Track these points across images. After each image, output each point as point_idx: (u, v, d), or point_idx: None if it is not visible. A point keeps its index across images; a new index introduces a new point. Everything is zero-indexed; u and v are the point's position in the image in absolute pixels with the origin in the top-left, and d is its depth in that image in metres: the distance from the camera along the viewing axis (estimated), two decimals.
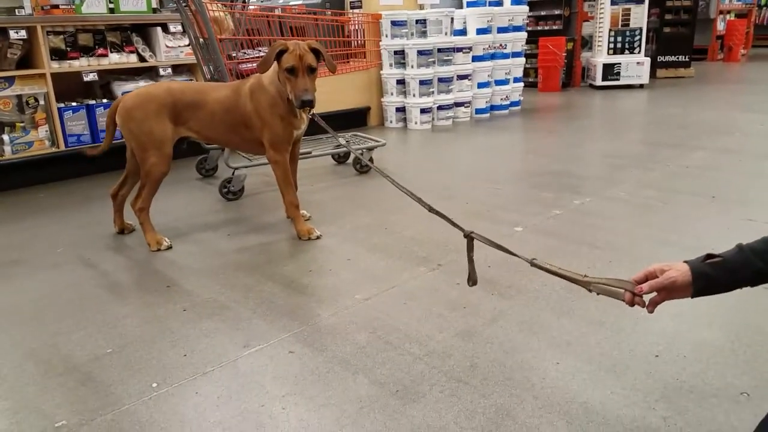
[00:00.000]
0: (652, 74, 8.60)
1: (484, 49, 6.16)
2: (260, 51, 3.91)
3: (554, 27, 9.19)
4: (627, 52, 8.02)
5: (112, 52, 4.24)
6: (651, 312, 1.18)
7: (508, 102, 6.52)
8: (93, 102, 4.19)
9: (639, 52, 8.01)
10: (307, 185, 3.68)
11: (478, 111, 6.28)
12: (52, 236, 2.99)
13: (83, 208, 3.49)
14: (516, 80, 6.60)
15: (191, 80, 4.57)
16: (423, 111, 5.70)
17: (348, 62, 4.72)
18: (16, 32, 3.75)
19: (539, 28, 9.26)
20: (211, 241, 2.82)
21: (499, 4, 6.70)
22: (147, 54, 4.41)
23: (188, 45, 4.39)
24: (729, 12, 11.96)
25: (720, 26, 11.60)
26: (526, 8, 6.62)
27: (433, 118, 5.83)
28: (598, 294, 1.26)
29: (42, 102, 3.97)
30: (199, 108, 2.73)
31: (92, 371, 1.75)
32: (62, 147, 4.06)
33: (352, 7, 6.15)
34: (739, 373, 1.60)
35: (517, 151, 4.68)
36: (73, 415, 1.55)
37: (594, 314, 1.94)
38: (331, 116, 4.12)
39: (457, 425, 1.45)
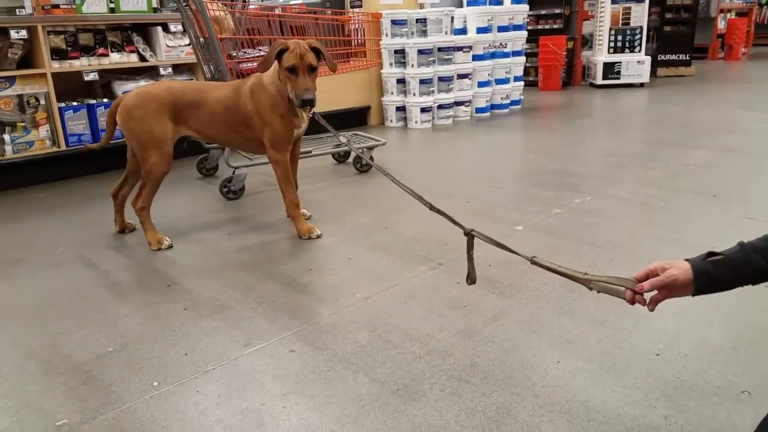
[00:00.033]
0: (653, 73, 8.59)
1: (484, 48, 6.16)
2: (260, 50, 3.91)
3: (554, 26, 9.18)
4: (627, 50, 8.02)
5: (112, 51, 4.24)
6: (652, 310, 1.18)
7: (508, 101, 6.52)
8: (94, 101, 4.19)
9: (639, 51, 8.01)
10: (307, 184, 3.68)
11: (479, 110, 6.27)
12: (53, 235, 2.99)
13: (84, 207, 3.49)
14: (516, 79, 6.59)
15: (192, 80, 4.57)
16: (423, 110, 5.70)
17: (348, 61, 4.72)
18: (17, 32, 3.75)
19: (539, 26, 9.25)
20: (212, 240, 2.82)
21: (500, 2, 6.71)
22: (147, 53, 4.41)
23: (189, 44, 4.39)
24: (730, 11, 11.96)
25: (721, 25, 11.59)
26: (526, 7, 6.62)
27: (433, 117, 5.83)
28: (598, 292, 1.26)
29: (43, 102, 3.97)
30: (199, 107, 2.74)
31: (93, 370, 1.75)
32: (63, 146, 4.06)
33: (352, 6, 6.15)
34: (740, 371, 1.60)
35: (518, 150, 4.68)
36: (74, 413, 1.55)
37: (594, 313, 1.94)
38: (332, 115, 4.13)
39: (457, 424, 1.45)
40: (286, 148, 2.77)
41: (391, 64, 5.77)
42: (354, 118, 5.86)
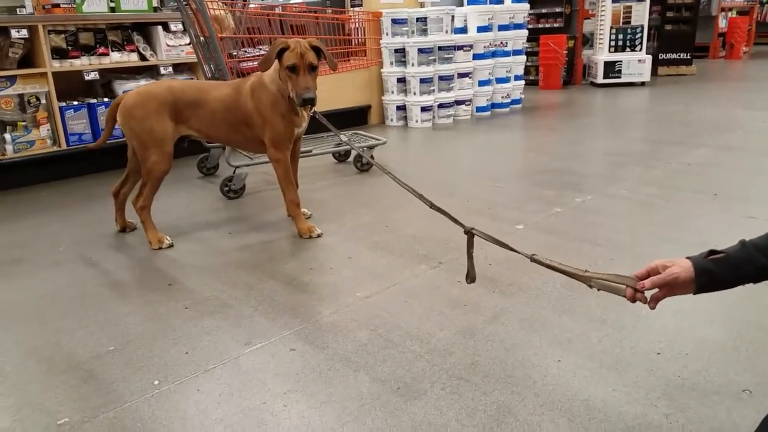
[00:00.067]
0: (654, 72, 8.58)
1: (484, 47, 6.16)
2: (261, 49, 3.91)
3: (555, 25, 9.18)
4: (628, 49, 8.01)
5: (113, 50, 4.24)
6: (653, 308, 1.18)
7: (509, 100, 6.51)
8: (94, 101, 4.19)
9: (640, 50, 8.00)
10: (308, 183, 3.68)
11: (479, 109, 6.27)
12: (53, 235, 2.99)
13: (85, 206, 3.50)
14: (517, 78, 6.59)
15: (192, 79, 4.57)
16: (424, 109, 5.70)
17: (348, 60, 4.72)
18: (18, 31, 3.75)
19: (540, 25, 9.25)
20: (213, 240, 2.82)
21: (500, 1, 6.70)
22: (148, 53, 4.41)
23: (189, 44, 4.39)
24: (731, 9, 11.94)
25: (722, 24, 11.58)
26: (526, 6, 6.61)
27: (433, 117, 5.83)
28: (599, 290, 1.25)
29: (43, 101, 3.97)
30: (200, 106, 2.74)
31: (94, 369, 1.76)
32: (64, 146, 4.07)
33: (352, 5, 6.15)
34: (741, 370, 1.60)
35: (518, 148, 4.68)
36: (75, 412, 1.56)
37: (595, 312, 1.94)
38: (332, 115, 4.12)
39: (458, 422, 1.45)
40: (287, 147, 2.77)
41: (391, 63, 5.77)
42: (354, 118, 5.86)
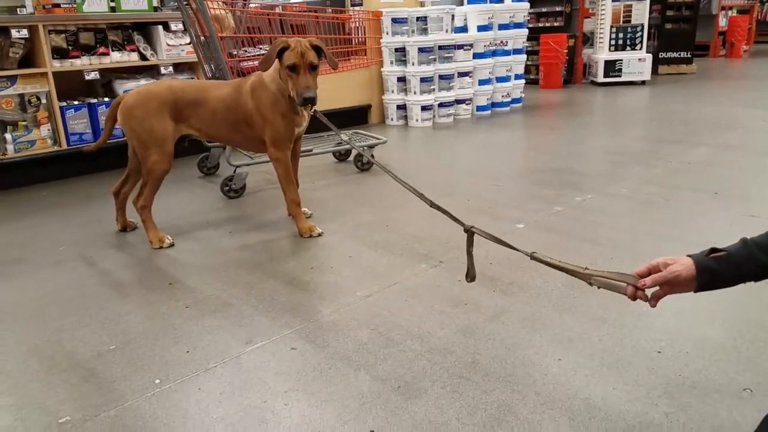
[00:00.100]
0: (654, 71, 8.58)
1: (485, 46, 6.15)
2: (261, 49, 3.92)
3: (555, 24, 9.17)
4: (628, 48, 8.01)
5: (113, 50, 4.24)
6: (653, 306, 1.18)
7: (509, 99, 6.51)
8: (95, 100, 4.19)
9: (640, 49, 8.00)
10: (308, 183, 3.68)
11: (480, 108, 6.27)
12: (54, 234, 2.99)
13: (85, 206, 3.50)
14: (517, 77, 6.59)
15: (192, 78, 4.57)
16: (424, 108, 5.70)
17: (349, 60, 4.72)
18: (18, 31, 3.75)
19: (540, 24, 9.24)
20: (213, 239, 2.82)
21: (500, 0, 6.70)
22: (148, 52, 4.41)
23: (189, 43, 4.39)
24: (731, 8, 11.94)
25: (722, 22, 11.58)
26: (527, 5, 6.61)
27: (434, 116, 5.83)
28: (599, 287, 1.25)
29: (44, 101, 3.97)
30: (200, 106, 2.74)
31: (95, 368, 1.76)
32: (64, 145, 4.07)
33: (352, 5, 6.16)
34: (742, 369, 1.60)
35: (519, 148, 4.68)
36: (76, 411, 1.56)
37: (596, 311, 1.94)
38: (332, 114, 4.12)
39: (458, 421, 1.45)
40: (287, 147, 2.77)
41: (391, 63, 5.77)
42: (355, 117, 5.86)
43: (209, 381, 1.66)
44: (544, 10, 9.24)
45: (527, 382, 1.58)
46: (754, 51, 12.67)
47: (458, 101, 5.99)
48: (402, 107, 5.84)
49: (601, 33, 8.12)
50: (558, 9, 9.12)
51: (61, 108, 4.02)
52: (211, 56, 3.65)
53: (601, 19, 8.11)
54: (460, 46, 5.90)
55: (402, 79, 5.76)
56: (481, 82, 6.20)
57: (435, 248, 2.55)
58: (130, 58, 4.32)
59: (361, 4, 6.00)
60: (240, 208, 3.31)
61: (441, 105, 5.85)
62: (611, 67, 8.01)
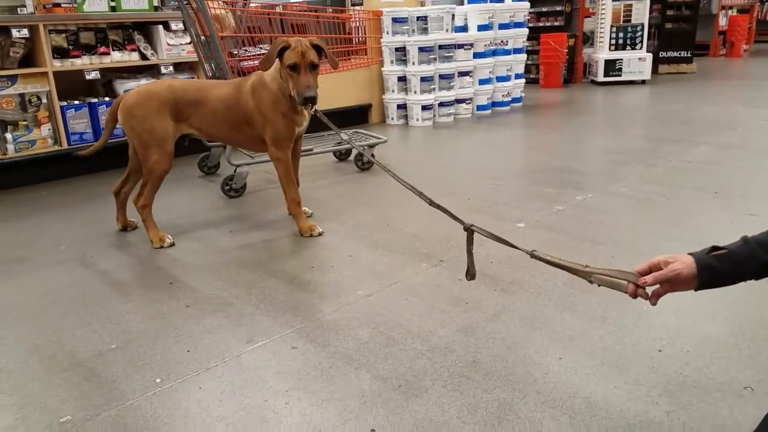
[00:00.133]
0: (654, 70, 8.58)
1: (485, 45, 6.15)
2: (261, 48, 3.92)
3: (555, 23, 9.17)
4: (629, 48, 8.01)
5: (113, 50, 4.24)
6: (654, 304, 1.18)
7: (509, 98, 6.51)
8: (95, 100, 4.19)
9: (641, 48, 7.99)
10: (308, 182, 3.68)
11: (480, 107, 6.27)
12: (55, 234, 3.00)
13: (86, 205, 3.50)
14: (517, 76, 6.59)
15: (193, 78, 4.57)
16: (424, 108, 5.70)
17: (349, 59, 4.72)
18: (19, 31, 3.75)
19: (540, 24, 9.24)
20: (214, 238, 2.82)
21: (501, 0, 6.69)
22: (149, 52, 4.41)
23: (190, 43, 4.40)
24: (731, 7, 11.94)
25: (722, 22, 11.57)
26: (527, 5, 6.61)
27: (434, 115, 5.83)
28: (599, 285, 1.24)
29: (44, 100, 3.97)
30: (200, 105, 2.74)
31: (96, 367, 1.76)
32: (65, 145, 4.07)
33: (353, 4, 6.15)
34: (743, 367, 1.60)
35: (519, 147, 4.68)
36: (77, 410, 1.56)
37: (596, 309, 1.94)
38: (333, 113, 4.13)
39: (459, 420, 1.45)
40: (288, 146, 2.77)
41: (392, 62, 5.77)
42: (355, 116, 5.86)
43: (210, 380, 1.67)
44: (544, 9, 9.23)
45: (528, 381, 1.58)
46: (755, 50, 12.66)
47: (458, 101, 5.99)
48: (402, 107, 5.84)
49: (601, 32, 8.11)
50: (558, 8, 9.12)
51: (61, 107, 4.02)
52: (212, 56, 3.65)
53: (601, 19, 8.11)
54: (461, 46, 5.90)
55: (402, 79, 5.76)
56: (482, 82, 6.19)
57: (435, 247, 2.55)
58: (131, 58, 4.33)
59: (361, 4, 6.00)
60: (240, 208, 3.31)
61: (441, 104, 5.85)
62: (611, 66, 8.01)
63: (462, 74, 5.97)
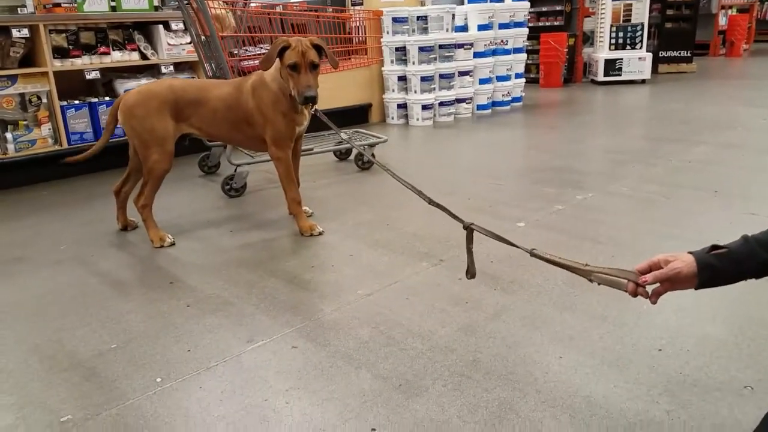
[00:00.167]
0: (654, 69, 8.58)
1: (485, 45, 6.15)
2: (262, 48, 3.91)
3: (555, 23, 9.17)
4: (629, 47, 8.01)
5: (114, 50, 4.24)
6: (654, 303, 1.18)
7: (509, 98, 6.51)
8: (95, 100, 4.19)
9: (641, 48, 7.99)
10: (309, 182, 3.68)
11: (480, 107, 6.27)
12: (55, 233, 3.00)
13: (86, 205, 3.50)
14: (517, 76, 6.59)
15: (193, 78, 4.57)
16: (424, 107, 5.70)
17: (349, 59, 4.72)
18: (19, 31, 3.75)
19: (540, 24, 9.24)
20: (214, 238, 2.82)
21: (501, 0, 6.69)
22: (149, 52, 4.41)
23: (190, 43, 4.40)
24: (731, 7, 11.94)
25: (722, 21, 11.58)
26: (527, 4, 6.61)
27: (434, 115, 5.83)
28: (599, 284, 1.24)
29: (45, 100, 3.98)
30: (201, 105, 2.74)
31: (96, 366, 1.76)
32: (65, 145, 4.07)
33: (353, 4, 6.15)
34: (743, 366, 1.60)
35: (519, 146, 4.68)
36: (78, 410, 1.56)
37: (596, 309, 1.95)
38: (333, 113, 4.13)
39: (460, 419, 1.45)
40: (288, 146, 2.77)
41: (392, 62, 5.77)
42: (355, 116, 5.86)
43: (210, 380, 1.67)
44: (544, 9, 9.23)
45: (528, 380, 1.59)
46: (754, 50, 12.66)
47: (459, 100, 5.99)
48: (403, 106, 5.84)
49: (601, 32, 8.11)
50: (558, 8, 9.12)
51: (61, 107, 4.02)
52: (212, 55, 3.65)
53: (601, 19, 8.11)
54: (461, 45, 5.90)
55: (402, 78, 5.76)
56: (482, 81, 6.20)
57: (435, 247, 2.55)
58: (131, 58, 4.33)
59: (361, 4, 6.00)
60: (241, 207, 3.31)
61: (441, 104, 5.85)
62: (611, 66, 8.01)
63: (462, 74, 5.97)
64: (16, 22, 3.78)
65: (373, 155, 4.00)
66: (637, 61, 7.93)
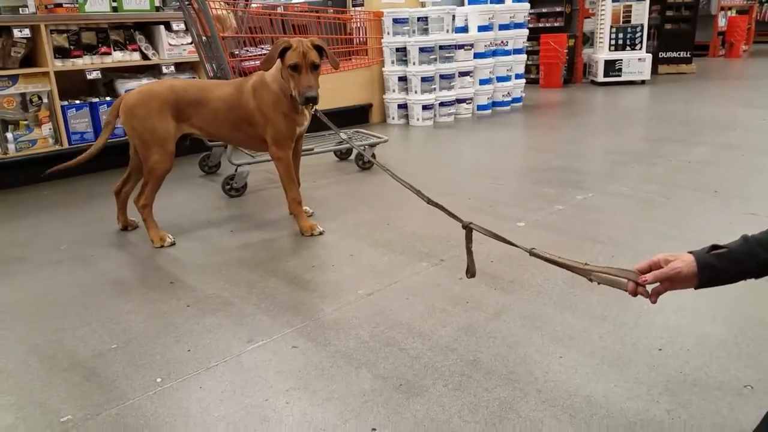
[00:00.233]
0: (654, 70, 8.59)
1: (485, 46, 6.16)
2: (263, 49, 3.92)
3: (555, 24, 9.18)
4: (628, 48, 8.01)
5: (115, 50, 4.24)
6: (654, 302, 1.18)
7: (509, 98, 6.52)
8: (96, 100, 4.19)
9: (640, 49, 8.00)
10: (309, 182, 3.68)
11: (480, 107, 6.28)
12: (55, 233, 3.00)
13: (86, 205, 3.50)
14: (518, 77, 6.59)
15: (194, 78, 4.58)
16: (425, 108, 5.70)
17: (350, 59, 4.72)
18: (20, 31, 3.75)
19: (540, 25, 9.24)
20: (214, 238, 2.82)
21: (501, 1, 6.70)
22: (150, 52, 4.41)
23: (191, 43, 4.40)
24: (730, 8, 11.95)
25: (721, 22, 11.59)
26: (527, 5, 6.62)
27: (434, 115, 5.83)
28: (599, 283, 1.24)
29: (45, 100, 3.98)
30: (201, 105, 2.74)
31: (96, 366, 1.76)
32: (65, 145, 4.07)
33: (354, 5, 6.16)
34: (743, 366, 1.60)
35: (519, 147, 4.68)
36: (78, 410, 1.56)
37: (596, 308, 1.95)
38: (334, 113, 4.13)
39: (460, 419, 1.45)
40: (289, 146, 2.77)
41: (392, 62, 5.77)
42: (356, 116, 5.86)
43: (210, 380, 1.67)
44: (544, 10, 9.24)
45: (528, 380, 1.59)
46: (754, 51, 12.67)
47: (459, 100, 6.00)
48: (403, 106, 5.84)
49: (601, 33, 8.12)
50: (558, 9, 9.13)
51: (62, 107, 4.03)
52: (213, 56, 3.65)
53: (601, 20, 8.11)
54: (461, 46, 5.90)
55: (403, 79, 5.77)
56: (482, 82, 6.20)
57: (435, 246, 2.55)
58: (132, 58, 4.33)
59: (362, 5, 6.01)
60: (241, 207, 3.32)
61: (442, 104, 5.85)
62: (611, 66, 8.01)
63: (462, 74, 5.97)
64: (18, 22, 3.78)
65: (373, 155, 4.00)
66: (637, 62, 7.94)
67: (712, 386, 1.52)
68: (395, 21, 5.61)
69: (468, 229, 1.54)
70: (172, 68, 4.49)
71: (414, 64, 5.64)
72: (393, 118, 5.91)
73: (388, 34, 5.69)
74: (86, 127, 4.15)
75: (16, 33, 3.74)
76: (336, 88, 5.32)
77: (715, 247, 1.13)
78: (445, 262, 2.40)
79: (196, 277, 2.38)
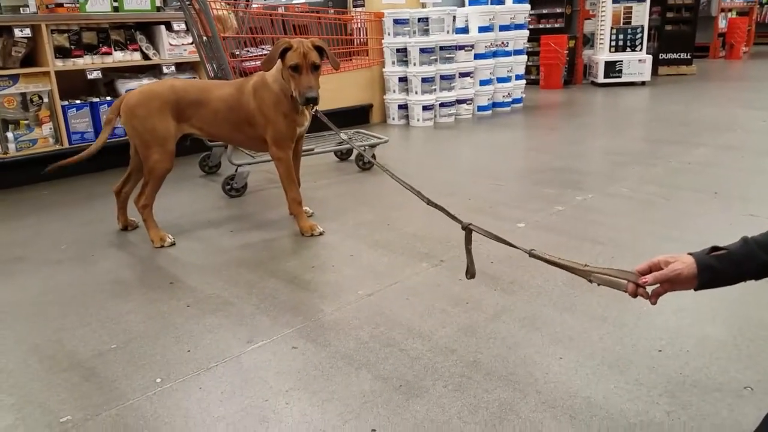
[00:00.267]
0: (654, 72, 8.59)
1: (486, 46, 6.16)
2: (263, 49, 3.92)
3: (556, 25, 9.18)
4: (629, 49, 8.02)
5: (115, 50, 4.25)
6: (654, 303, 1.18)
7: (510, 99, 6.52)
8: (97, 100, 4.20)
9: (641, 50, 8.01)
10: (309, 182, 3.68)
11: (480, 108, 6.28)
12: (55, 233, 3.00)
13: (87, 205, 3.50)
14: (518, 77, 6.60)
15: (195, 78, 4.58)
16: (425, 108, 5.70)
17: (351, 60, 4.73)
18: (21, 30, 3.76)
19: (541, 26, 9.25)
20: (214, 238, 2.82)
21: (501, 2, 6.70)
22: (150, 52, 4.42)
23: (192, 43, 4.40)
24: (730, 10, 11.95)
25: (721, 24, 11.59)
26: (527, 6, 6.62)
27: (435, 115, 5.83)
28: (599, 284, 1.24)
29: (46, 100, 3.98)
30: (202, 105, 2.74)
31: (96, 367, 1.76)
32: (66, 144, 4.07)
33: (354, 6, 6.16)
34: (743, 367, 1.60)
35: (519, 147, 4.68)
36: (77, 410, 1.56)
37: (596, 310, 1.95)
38: (334, 114, 4.14)
39: (460, 420, 1.45)
40: (289, 146, 2.78)
41: (393, 63, 5.77)
42: (356, 116, 5.86)
43: (210, 380, 1.67)
44: (544, 11, 9.25)
45: (528, 381, 1.59)
46: (754, 52, 12.67)
47: (459, 101, 6.00)
48: (403, 107, 5.84)
49: (601, 34, 8.12)
50: (558, 10, 9.13)
51: (63, 107, 4.03)
52: (214, 56, 3.65)
53: (601, 21, 8.12)
54: (462, 47, 5.91)
55: (403, 79, 5.77)
56: (482, 83, 6.20)
57: (435, 247, 2.55)
58: (133, 58, 4.33)
59: (363, 5, 6.01)
60: (241, 207, 3.32)
61: (442, 105, 5.86)
62: (611, 68, 8.01)
63: (463, 75, 5.97)
64: (19, 21, 3.78)
65: (373, 156, 4.01)
66: (637, 63, 7.94)
67: (711, 387, 1.52)
68: (396, 22, 5.62)
69: (467, 230, 1.54)
70: (173, 68, 4.49)
71: (414, 64, 5.64)
72: (393, 119, 5.91)
73: (389, 34, 5.69)
74: (87, 127, 4.15)
75: (17, 33, 3.74)
76: (336, 89, 5.32)
77: (715, 248, 1.13)
78: (445, 263, 2.40)
79: (196, 277, 2.38)
